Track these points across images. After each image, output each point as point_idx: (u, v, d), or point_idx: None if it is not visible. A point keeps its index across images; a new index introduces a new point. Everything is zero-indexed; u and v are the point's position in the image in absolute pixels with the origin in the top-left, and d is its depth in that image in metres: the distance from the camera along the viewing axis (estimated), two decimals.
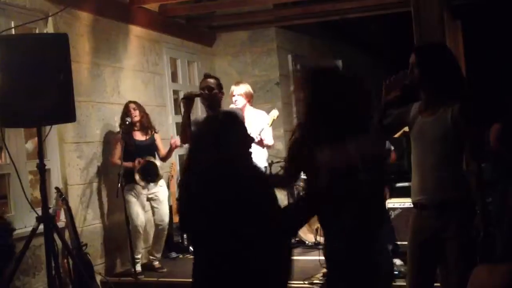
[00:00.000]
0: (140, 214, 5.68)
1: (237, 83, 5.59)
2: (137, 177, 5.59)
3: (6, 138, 4.47)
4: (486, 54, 7.37)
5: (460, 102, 3.09)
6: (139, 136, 5.74)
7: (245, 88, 5.50)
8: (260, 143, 5.15)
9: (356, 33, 9.88)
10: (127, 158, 5.49)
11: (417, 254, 3.26)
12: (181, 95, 6.99)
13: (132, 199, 5.63)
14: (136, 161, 5.56)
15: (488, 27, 7.39)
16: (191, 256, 6.31)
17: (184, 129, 4.58)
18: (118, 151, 5.50)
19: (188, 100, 4.48)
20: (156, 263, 5.88)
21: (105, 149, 5.80)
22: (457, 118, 3.08)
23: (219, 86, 4.64)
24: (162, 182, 5.90)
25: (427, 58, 3.23)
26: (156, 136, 5.85)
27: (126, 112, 5.67)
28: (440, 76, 3.17)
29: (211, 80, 4.63)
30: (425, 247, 3.21)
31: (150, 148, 5.77)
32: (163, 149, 5.84)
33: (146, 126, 5.76)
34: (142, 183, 5.64)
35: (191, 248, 6.46)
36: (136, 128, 5.71)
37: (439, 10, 4.23)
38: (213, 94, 4.57)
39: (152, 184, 5.73)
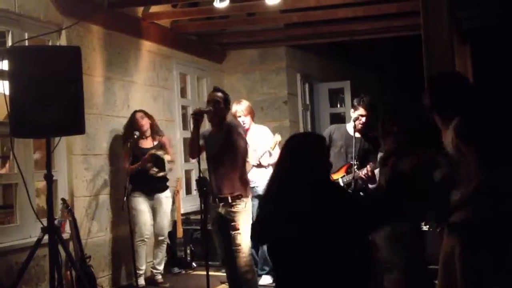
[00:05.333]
0: (147, 222, 5.72)
1: (238, 102, 5.63)
2: (149, 165, 5.64)
3: (15, 148, 4.51)
4: (495, 78, 7.38)
5: (456, 123, 3.13)
6: (146, 144, 5.76)
7: (245, 105, 5.60)
8: (259, 166, 5.51)
9: (365, 54, 9.93)
10: (144, 169, 5.58)
11: (440, 273, 3.28)
12: (190, 110, 7.05)
13: (139, 207, 5.67)
14: (142, 159, 5.60)
15: (498, 51, 7.41)
16: (194, 272, 6.34)
17: (192, 144, 4.60)
18: (127, 161, 5.57)
19: (198, 116, 4.50)
20: (159, 278, 5.88)
21: (112, 162, 5.83)
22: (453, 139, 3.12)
23: (226, 100, 4.65)
24: (168, 194, 5.92)
25: (432, 84, 3.36)
26: (164, 139, 5.84)
27: (132, 122, 5.69)
28: (441, 100, 3.23)
29: (218, 94, 4.64)
30: (445, 266, 3.24)
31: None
32: (169, 153, 5.84)
33: (155, 132, 5.79)
34: (155, 170, 5.68)
35: (194, 264, 6.46)
36: (144, 137, 5.73)
37: (449, 34, 4.24)
38: (218, 108, 4.58)
39: (157, 194, 5.76)
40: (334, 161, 5.32)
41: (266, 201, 2.97)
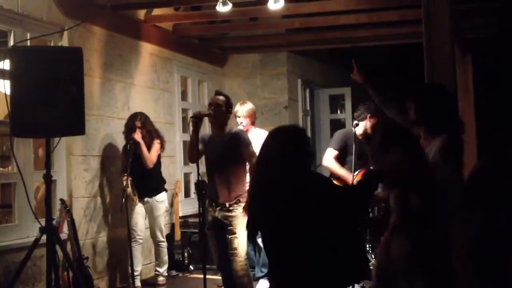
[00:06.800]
0: (139, 223, 5.71)
1: (242, 103, 5.62)
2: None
3: (15, 148, 4.51)
4: (496, 88, 7.40)
5: (441, 141, 3.13)
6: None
7: (247, 107, 5.55)
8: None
9: (366, 61, 9.92)
10: (136, 171, 5.52)
11: None
12: (190, 113, 7.04)
13: (135, 209, 5.68)
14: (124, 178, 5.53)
15: (499, 61, 7.42)
16: (191, 275, 6.33)
17: (192, 148, 4.58)
18: (123, 165, 5.55)
19: (197, 119, 4.49)
20: (160, 279, 5.89)
21: (111, 163, 5.83)
22: (436, 156, 3.12)
23: (228, 104, 4.63)
24: (160, 198, 5.84)
25: (420, 98, 3.38)
26: (154, 143, 5.72)
27: (130, 127, 5.65)
28: (430, 115, 3.27)
29: (220, 97, 4.64)
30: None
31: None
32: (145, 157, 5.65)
33: (151, 139, 5.71)
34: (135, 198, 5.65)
35: (191, 267, 6.45)
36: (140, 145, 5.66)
37: (451, 44, 4.25)
38: (218, 111, 4.56)
39: (147, 199, 5.75)
40: (355, 167, 5.38)
41: (254, 191, 3.03)
